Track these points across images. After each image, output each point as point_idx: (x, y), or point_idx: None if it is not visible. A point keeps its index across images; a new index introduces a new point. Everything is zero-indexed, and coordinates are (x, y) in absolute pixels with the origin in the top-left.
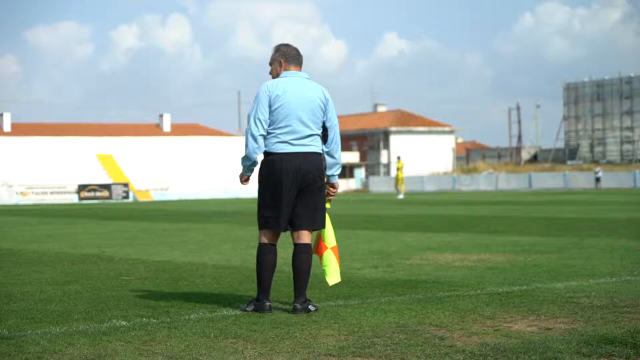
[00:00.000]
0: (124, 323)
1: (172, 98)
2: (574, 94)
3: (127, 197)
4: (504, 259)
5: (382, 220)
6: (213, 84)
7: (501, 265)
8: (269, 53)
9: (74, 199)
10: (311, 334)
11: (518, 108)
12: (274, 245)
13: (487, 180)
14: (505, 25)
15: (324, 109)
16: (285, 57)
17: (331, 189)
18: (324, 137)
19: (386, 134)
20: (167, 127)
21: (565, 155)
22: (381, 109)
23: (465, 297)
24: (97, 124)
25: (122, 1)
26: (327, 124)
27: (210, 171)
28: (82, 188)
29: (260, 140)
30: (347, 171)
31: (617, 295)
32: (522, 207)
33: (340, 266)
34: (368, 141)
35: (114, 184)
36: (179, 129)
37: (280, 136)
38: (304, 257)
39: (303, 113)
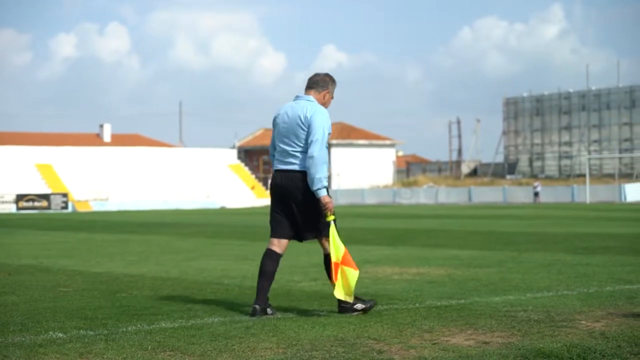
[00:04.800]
0: (60, 335)
1: (112, 108)
2: (513, 109)
3: (66, 207)
4: (442, 272)
5: None
6: (153, 94)
7: (440, 279)
8: (208, 63)
9: (11, 208)
10: (249, 347)
11: (458, 122)
12: (275, 251)
13: (427, 193)
14: (444, 40)
15: (305, 128)
16: (306, 85)
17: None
18: None
19: (327, 147)
20: (107, 137)
21: (504, 170)
22: None
23: (403, 310)
24: (37, 133)
25: (60, 9)
26: (308, 141)
27: (150, 182)
28: (20, 198)
29: (273, 158)
30: None
31: (553, 309)
32: (462, 221)
33: (348, 281)
34: None
35: (53, 194)
36: (119, 139)
37: (276, 154)
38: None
39: (285, 132)
